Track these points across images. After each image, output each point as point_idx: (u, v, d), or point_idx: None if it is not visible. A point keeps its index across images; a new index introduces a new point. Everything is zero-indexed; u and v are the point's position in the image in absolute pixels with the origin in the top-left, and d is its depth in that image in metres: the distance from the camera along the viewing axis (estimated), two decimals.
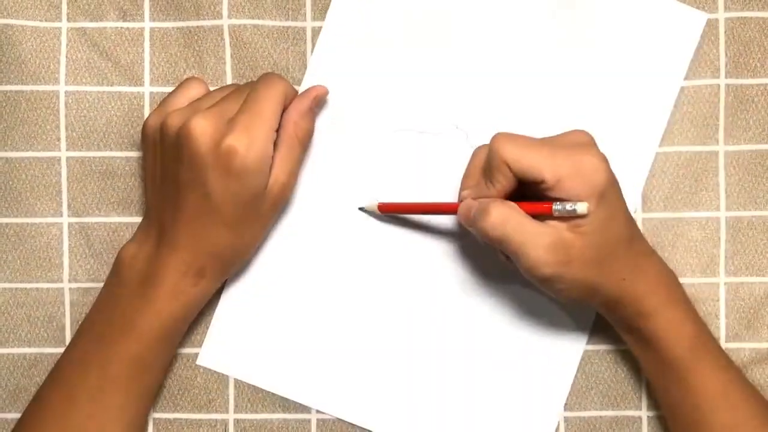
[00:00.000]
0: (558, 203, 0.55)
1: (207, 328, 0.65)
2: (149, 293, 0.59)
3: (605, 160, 0.56)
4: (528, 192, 0.57)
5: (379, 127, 0.65)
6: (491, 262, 0.64)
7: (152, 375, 0.62)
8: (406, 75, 0.65)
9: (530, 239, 0.55)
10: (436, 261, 0.65)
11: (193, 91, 0.61)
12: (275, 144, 0.60)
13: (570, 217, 0.55)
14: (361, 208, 0.65)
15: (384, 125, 0.65)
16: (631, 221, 0.59)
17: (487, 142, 0.58)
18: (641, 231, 0.62)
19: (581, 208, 0.54)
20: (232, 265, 0.63)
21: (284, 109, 0.61)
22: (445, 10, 0.65)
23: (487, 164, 0.57)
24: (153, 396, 0.63)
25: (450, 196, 0.64)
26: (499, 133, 0.57)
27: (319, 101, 0.63)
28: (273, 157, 0.60)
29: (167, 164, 0.59)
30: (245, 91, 0.60)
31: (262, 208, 0.61)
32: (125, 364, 0.59)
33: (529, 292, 0.64)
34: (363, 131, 0.65)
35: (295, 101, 0.62)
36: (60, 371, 0.61)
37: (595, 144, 0.57)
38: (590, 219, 0.55)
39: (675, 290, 0.60)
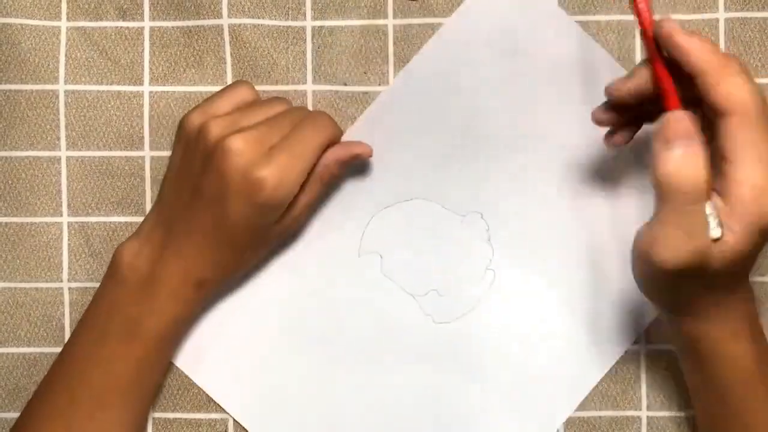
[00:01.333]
0: (710, 205, 0.49)
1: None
2: (152, 294, 0.59)
3: None
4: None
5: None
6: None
7: (153, 376, 0.62)
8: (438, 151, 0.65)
9: (681, 221, 0.49)
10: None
11: (240, 97, 0.61)
12: (306, 181, 0.60)
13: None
14: None
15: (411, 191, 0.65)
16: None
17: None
18: None
19: (715, 233, 0.49)
20: (231, 279, 0.63)
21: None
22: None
23: (707, 100, 0.50)
24: (153, 397, 0.63)
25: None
26: (753, 110, 0.49)
27: (359, 158, 0.63)
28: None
29: (195, 170, 0.59)
30: (294, 119, 0.60)
31: (270, 236, 0.61)
32: (127, 363, 0.59)
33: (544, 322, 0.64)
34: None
35: (337, 146, 0.62)
36: (61, 369, 0.61)
37: None
38: (742, 243, 0.49)
39: (752, 326, 0.54)
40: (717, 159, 0.50)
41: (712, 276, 0.50)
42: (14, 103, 0.65)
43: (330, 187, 0.64)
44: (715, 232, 0.49)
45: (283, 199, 0.58)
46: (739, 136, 0.49)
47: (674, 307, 0.54)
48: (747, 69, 0.51)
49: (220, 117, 0.59)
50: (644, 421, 0.65)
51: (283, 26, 0.65)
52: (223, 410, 0.65)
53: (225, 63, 0.65)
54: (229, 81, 0.65)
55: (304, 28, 0.65)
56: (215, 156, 0.57)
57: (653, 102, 0.53)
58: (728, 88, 0.49)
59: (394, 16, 0.65)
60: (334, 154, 0.61)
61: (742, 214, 0.49)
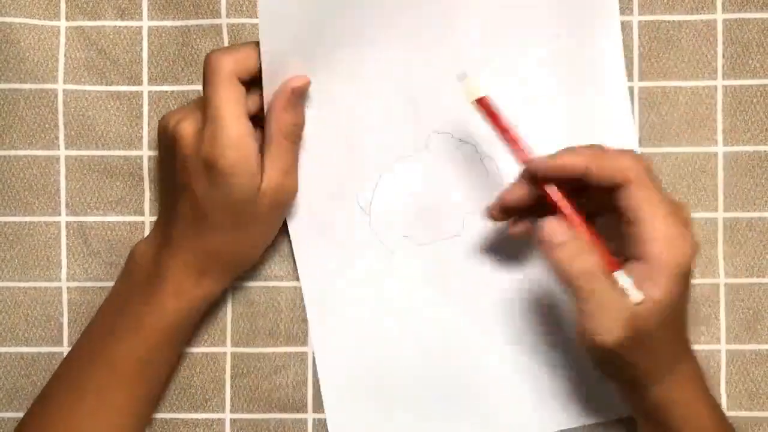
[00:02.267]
0: (622, 275, 0.52)
1: (211, 327, 0.66)
2: (155, 292, 0.59)
3: (698, 247, 0.54)
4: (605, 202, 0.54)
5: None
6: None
7: (157, 374, 0.62)
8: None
9: (607, 307, 0.52)
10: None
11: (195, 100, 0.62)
12: (265, 145, 0.59)
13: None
14: (462, 75, 0.58)
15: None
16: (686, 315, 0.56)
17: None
18: None
19: (635, 297, 0.52)
20: (234, 266, 0.63)
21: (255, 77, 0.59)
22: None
23: (604, 154, 0.54)
24: (158, 395, 0.64)
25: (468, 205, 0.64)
26: (642, 157, 0.54)
27: (299, 93, 0.60)
28: (263, 158, 0.58)
29: (167, 163, 0.60)
30: None
31: (258, 211, 0.59)
32: (132, 362, 0.59)
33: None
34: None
35: (274, 96, 0.59)
36: (68, 367, 0.61)
37: (691, 225, 0.54)
38: (663, 299, 0.52)
39: (700, 383, 0.57)
40: (625, 228, 0.53)
41: (653, 337, 0.53)
42: (13, 102, 0.65)
43: (298, 140, 0.61)
44: (635, 296, 0.52)
45: (235, 163, 0.56)
46: (640, 199, 0.53)
47: (635, 380, 0.55)
48: (612, 149, 0.55)
49: (177, 110, 0.59)
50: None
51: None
52: (220, 410, 0.65)
53: None
54: None
55: None
56: (172, 145, 0.58)
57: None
58: (614, 166, 0.53)
59: None
60: (274, 105, 0.59)
61: (660, 267, 0.52)
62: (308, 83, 0.60)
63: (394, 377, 0.65)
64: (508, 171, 0.61)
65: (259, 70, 0.58)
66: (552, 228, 0.54)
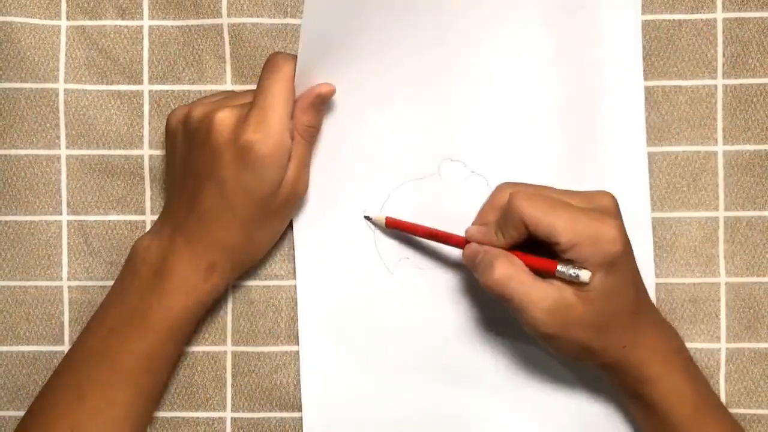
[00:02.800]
0: (562, 265, 0.56)
1: (211, 326, 0.66)
2: (160, 286, 0.59)
3: (623, 231, 0.56)
4: (537, 241, 0.57)
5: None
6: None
7: (160, 371, 0.62)
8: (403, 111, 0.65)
9: (532, 300, 0.56)
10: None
11: (218, 96, 0.62)
12: None
13: (572, 281, 0.56)
14: (367, 217, 0.64)
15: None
16: (640, 290, 0.59)
17: (502, 179, 0.61)
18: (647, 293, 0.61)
19: (584, 276, 0.55)
20: (242, 262, 0.63)
21: None
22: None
23: (503, 215, 0.58)
24: (160, 392, 0.64)
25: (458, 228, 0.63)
26: (518, 190, 0.58)
27: (323, 99, 0.62)
28: None
29: (188, 154, 0.60)
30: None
31: (274, 206, 0.61)
32: (135, 358, 0.59)
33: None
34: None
35: (300, 97, 0.61)
36: (69, 364, 0.61)
37: (617, 210, 0.58)
38: (595, 286, 0.56)
39: (678, 356, 0.60)
40: (552, 247, 0.56)
41: (597, 319, 0.56)
42: (14, 101, 0.65)
43: (313, 141, 0.63)
44: (583, 275, 0.55)
45: (272, 153, 0.58)
46: (544, 228, 0.56)
47: (601, 360, 0.59)
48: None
49: (202, 103, 0.61)
50: None
51: (282, 25, 0.65)
52: (221, 409, 0.65)
53: (224, 62, 0.66)
54: (229, 80, 0.66)
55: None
56: (203, 133, 0.59)
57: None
58: (511, 214, 0.57)
59: None
60: (297, 104, 0.61)
61: (591, 266, 0.55)
62: (333, 92, 0.62)
63: (375, 394, 0.65)
64: None
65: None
66: (472, 250, 0.59)
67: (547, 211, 0.56)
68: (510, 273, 0.56)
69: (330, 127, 0.64)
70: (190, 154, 0.60)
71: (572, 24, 0.64)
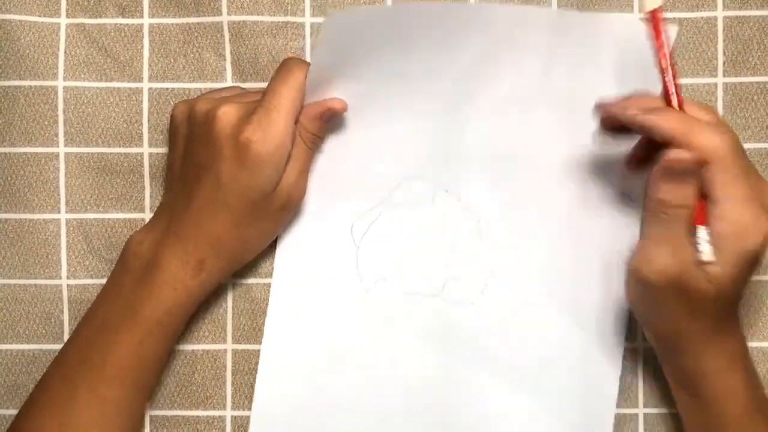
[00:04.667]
0: (703, 230, 0.53)
1: (211, 324, 0.66)
2: (151, 281, 0.59)
3: None
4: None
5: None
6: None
7: (151, 367, 0.61)
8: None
9: (673, 246, 0.54)
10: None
11: (226, 92, 0.63)
12: None
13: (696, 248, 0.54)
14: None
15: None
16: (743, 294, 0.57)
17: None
18: None
19: (706, 254, 0.53)
20: (232, 261, 0.63)
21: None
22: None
23: (704, 122, 0.55)
24: (151, 388, 0.63)
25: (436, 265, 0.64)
26: (729, 152, 0.54)
27: (334, 113, 0.62)
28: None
29: (190, 147, 0.60)
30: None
31: (270, 209, 0.61)
32: (125, 353, 0.59)
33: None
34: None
35: (308, 106, 0.62)
36: (63, 360, 0.61)
37: None
38: (726, 275, 0.54)
39: (741, 354, 0.58)
40: (707, 201, 0.54)
41: (700, 301, 0.54)
42: (13, 99, 0.65)
43: (316, 149, 0.63)
44: (707, 255, 0.53)
45: (270, 154, 0.58)
46: (717, 180, 0.53)
47: (668, 336, 0.57)
48: (717, 119, 0.56)
49: (207, 98, 0.61)
50: (641, 419, 0.65)
51: (283, 23, 0.65)
52: (221, 407, 0.65)
53: (225, 60, 0.65)
54: (229, 78, 0.66)
55: (303, 25, 0.65)
56: (206, 126, 0.59)
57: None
58: (699, 143, 0.53)
59: None
60: (305, 112, 0.61)
61: (724, 248, 0.53)
62: (345, 109, 0.63)
63: (330, 407, 0.65)
64: (505, 252, 0.64)
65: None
66: (678, 157, 0.54)
67: (736, 173, 0.54)
68: (685, 210, 0.54)
69: (329, 138, 0.65)
70: (192, 147, 0.60)
71: (578, 55, 0.64)
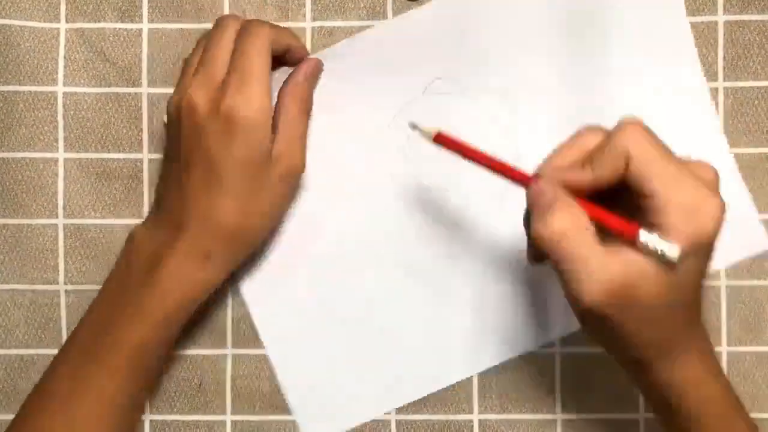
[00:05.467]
0: (647, 232, 0.48)
1: (211, 329, 0.66)
2: (154, 276, 0.59)
3: (724, 211, 0.49)
4: (615, 197, 0.50)
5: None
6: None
7: (154, 361, 0.61)
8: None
9: (589, 269, 0.48)
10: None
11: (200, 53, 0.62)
12: (274, 116, 0.60)
13: (653, 256, 0.48)
14: (413, 125, 0.56)
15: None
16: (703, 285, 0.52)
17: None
18: None
19: (672, 252, 0.47)
20: (240, 247, 0.61)
21: (278, 55, 0.62)
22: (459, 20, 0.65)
23: (600, 147, 0.50)
24: (154, 383, 0.63)
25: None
26: (634, 122, 0.50)
27: (314, 71, 0.63)
28: (275, 127, 0.60)
29: (176, 142, 0.60)
30: (227, 45, 0.60)
31: (269, 180, 0.60)
32: (128, 349, 0.59)
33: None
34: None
35: (291, 72, 0.62)
36: (65, 356, 0.60)
37: (719, 188, 0.50)
38: (678, 268, 0.48)
39: (713, 358, 0.54)
40: (640, 201, 0.49)
41: (653, 308, 0.49)
42: (12, 104, 0.65)
43: (307, 115, 0.63)
44: (673, 251, 0.47)
45: (257, 115, 0.58)
46: (641, 175, 0.49)
47: (637, 354, 0.52)
48: (602, 132, 0.51)
49: (176, 89, 0.61)
50: (642, 425, 0.65)
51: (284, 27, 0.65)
52: (221, 412, 0.65)
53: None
54: None
55: (304, 29, 0.65)
56: (183, 117, 0.59)
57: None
58: (610, 160, 0.49)
59: (394, 16, 0.65)
60: (290, 79, 0.62)
61: (679, 237, 0.48)
62: (321, 65, 0.64)
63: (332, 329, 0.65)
64: None
65: (282, 53, 0.62)
66: (539, 189, 0.51)
67: (657, 155, 0.49)
68: (570, 227, 0.49)
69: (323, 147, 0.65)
70: (178, 141, 0.60)
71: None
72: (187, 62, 0.61)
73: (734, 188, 0.64)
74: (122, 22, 0.66)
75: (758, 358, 0.65)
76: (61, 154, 0.66)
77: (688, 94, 0.65)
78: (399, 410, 0.65)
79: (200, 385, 0.65)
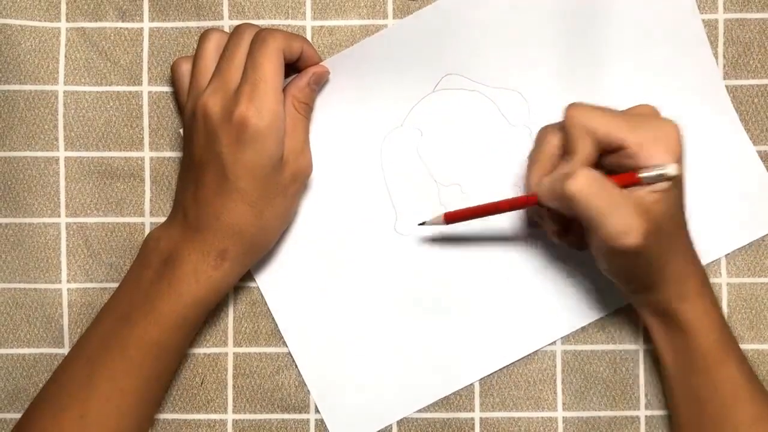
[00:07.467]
0: (644, 170, 0.55)
1: (213, 327, 0.66)
2: (171, 275, 0.59)
3: (678, 126, 0.56)
4: (605, 169, 0.57)
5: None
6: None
7: (169, 359, 0.61)
8: None
9: (617, 203, 0.55)
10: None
11: (212, 53, 0.62)
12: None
13: (657, 181, 0.55)
14: (422, 223, 0.64)
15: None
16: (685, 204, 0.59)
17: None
18: None
19: (671, 170, 0.54)
20: (254, 247, 0.62)
21: (291, 62, 0.62)
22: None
23: (565, 140, 0.58)
24: (169, 380, 0.64)
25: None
26: (574, 103, 0.57)
27: (318, 79, 0.63)
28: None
29: (192, 146, 0.60)
30: (242, 53, 0.60)
31: (281, 184, 0.61)
32: (144, 346, 0.59)
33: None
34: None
35: (295, 77, 0.63)
36: (81, 352, 0.61)
37: (660, 113, 0.58)
38: (674, 184, 0.55)
39: (708, 282, 0.60)
40: (619, 159, 0.56)
41: (662, 229, 0.56)
42: (13, 103, 0.65)
43: (309, 116, 0.64)
44: (671, 168, 0.55)
45: (269, 124, 0.59)
46: (612, 131, 0.56)
47: (645, 282, 0.59)
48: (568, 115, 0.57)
49: (191, 94, 0.61)
50: (642, 421, 0.65)
51: (284, 26, 0.65)
52: (222, 411, 0.65)
53: None
54: None
55: (304, 28, 0.65)
56: (197, 123, 0.59)
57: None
58: (578, 122, 0.57)
59: (394, 16, 0.65)
60: (293, 83, 0.63)
61: (663, 160, 0.55)
62: (328, 73, 0.65)
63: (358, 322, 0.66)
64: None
65: (295, 60, 0.62)
66: (547, 185, 0.58)
67: (606, 116, 0.56)
68: (593, 178, 0.55)
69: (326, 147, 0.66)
70: (194, 146, 0.60)
71: None
72: (194, 64, 0.62)
73: (758, 179, 0.65)
74: (123, 21, 0.66)
75: (759, 354, 0.65)
76: (62, 153, 0.66)
77: (704, 93, 0.65)
78: None
79: (202, 383, 0.65)
